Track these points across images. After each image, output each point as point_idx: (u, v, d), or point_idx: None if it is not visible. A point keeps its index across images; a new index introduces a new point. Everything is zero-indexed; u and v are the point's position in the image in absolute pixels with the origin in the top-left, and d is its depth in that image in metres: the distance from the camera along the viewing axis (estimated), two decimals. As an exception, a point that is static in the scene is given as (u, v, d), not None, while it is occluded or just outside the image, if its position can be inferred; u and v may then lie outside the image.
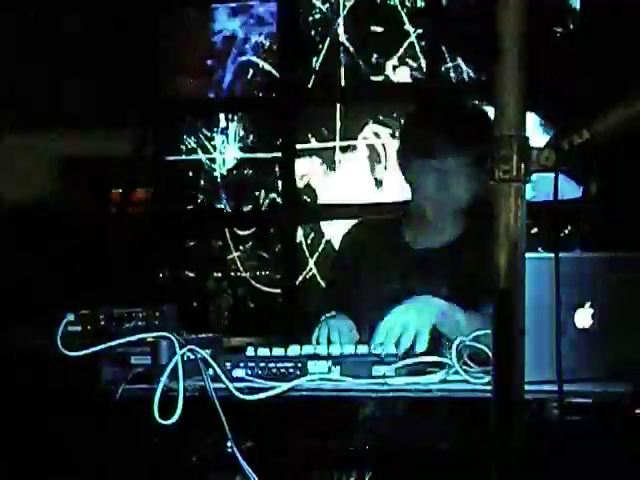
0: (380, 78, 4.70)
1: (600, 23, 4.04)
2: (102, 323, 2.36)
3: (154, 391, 2.11)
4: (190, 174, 5.05)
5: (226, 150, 5.01)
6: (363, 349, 2.38)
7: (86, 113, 4.77)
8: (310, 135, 4.85)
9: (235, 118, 5.00)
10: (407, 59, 4.66)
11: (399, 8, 4.60)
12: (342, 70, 4.79)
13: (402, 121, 3.05)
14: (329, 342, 2.69)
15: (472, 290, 2.79)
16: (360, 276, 3.00)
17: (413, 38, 4.60)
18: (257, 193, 4.99)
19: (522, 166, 1.48)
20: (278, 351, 2.38)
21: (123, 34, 4.80)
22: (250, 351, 2.36)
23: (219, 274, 4.92)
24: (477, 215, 2.98)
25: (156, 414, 2.08)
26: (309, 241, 4.87)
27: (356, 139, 4.75)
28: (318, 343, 2.69)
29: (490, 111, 3.30)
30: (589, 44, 3.98)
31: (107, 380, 2.26)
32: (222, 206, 5.03)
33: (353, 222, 3.22)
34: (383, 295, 2.87)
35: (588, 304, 2.19)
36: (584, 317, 2.19)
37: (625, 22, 3.56)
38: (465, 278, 2.86)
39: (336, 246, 3.28)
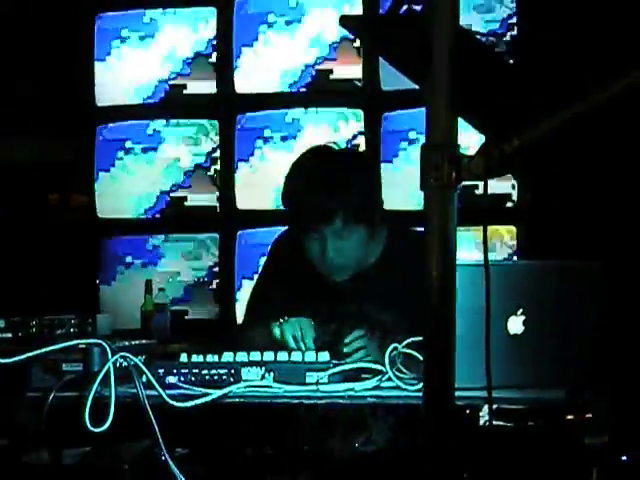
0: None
1: (533, 32, 4.09)
2: (33, 330, 2.33)
3: (85, 398, 2.09)
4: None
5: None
6: (297, 356, 2.38)
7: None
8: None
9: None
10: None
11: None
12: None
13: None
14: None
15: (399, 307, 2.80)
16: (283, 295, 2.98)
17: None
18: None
19: (453, 174, 1.49)
20: (212, 358, 2.37)
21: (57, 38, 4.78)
22: (183, 358, 2.35)
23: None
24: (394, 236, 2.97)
25: (87, 421, 2.06)
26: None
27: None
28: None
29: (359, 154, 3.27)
30: (522, 53, 4.04)
31: (38, 387, 2.23)
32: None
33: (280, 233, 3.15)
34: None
35: (520, 311, 2.21)
36: (516, 324, 2.21)
37: (559, 31, 3.60)
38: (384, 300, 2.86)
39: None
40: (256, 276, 3.20)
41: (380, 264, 2.92)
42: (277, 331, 2.73)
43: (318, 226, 2.80)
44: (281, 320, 2.75)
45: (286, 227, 3.07)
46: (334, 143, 2.99)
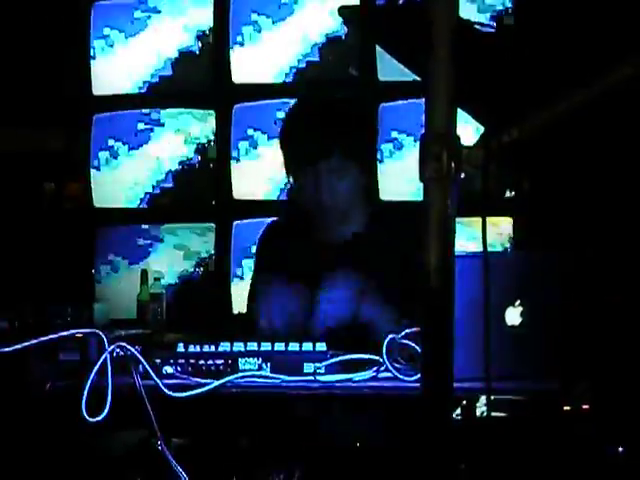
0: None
1: (532, 24, 4.08)
2: (30, 320, 2.33)
3: (82, 388, 2.08)
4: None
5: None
6: (294, 346, 2.38)
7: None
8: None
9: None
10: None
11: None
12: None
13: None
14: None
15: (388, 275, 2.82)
16: (280, 276, 2.99)
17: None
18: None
19: (452, 164, 1.49)
20: (208, 348, 2.37)
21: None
22: (180, 347, 2.35)
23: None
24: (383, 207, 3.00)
25: (84, 411, 2.06)
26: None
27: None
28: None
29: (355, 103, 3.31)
30: (521, 44, 4.02)
31: (35, 376, 2.23)
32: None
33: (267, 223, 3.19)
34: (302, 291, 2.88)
35: (518, 302, 2.21)
36: (514, 315, 2.21)
37: (557, 23, 3.59)
38: (379, 265, 2.88)
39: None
40: (252, 266, 3.23)
41: (368, 232, 2.95)
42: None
43: (314, 161, 2.83)
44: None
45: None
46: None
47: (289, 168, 2.96)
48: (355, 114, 2.96)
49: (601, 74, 1.46)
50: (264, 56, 4.90)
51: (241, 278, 4.81)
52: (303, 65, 4.85)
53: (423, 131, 1.52)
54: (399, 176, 4.64)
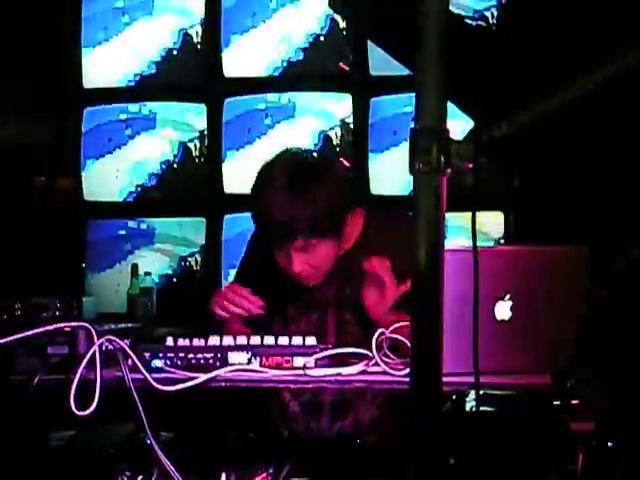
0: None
1: (521, 17, 4.08)
2: (18, 313, 2.32)
3: (71, 382, 2.07)
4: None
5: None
6: (284, 340, 2.37)
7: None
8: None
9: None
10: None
11: None
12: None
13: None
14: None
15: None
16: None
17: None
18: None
19: (442, 158, 1.48)
20: (198, 342, 2.36)
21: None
22: (169, 341, 2.34)
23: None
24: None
25: (72, 405, 2.05)
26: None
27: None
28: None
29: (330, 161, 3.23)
30: (511, 37, 4.03)
31: (23, 370, 2.22)
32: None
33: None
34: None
35: (507, 296, 2.21)
36: (503, 309, 2.21)
37: (546, 17, 3.59)
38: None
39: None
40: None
41: (358, 246, 2.91)
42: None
43: (282, 242, 2.77)
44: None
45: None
46: (302, 150, 2.92)
47: (262, 240, 2.89)
48: (323, 178, 2.79)
49: (596, 66, 1.46)
50: (257, 49, 4.90)
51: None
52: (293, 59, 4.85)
53: (413, 125, 1.51)
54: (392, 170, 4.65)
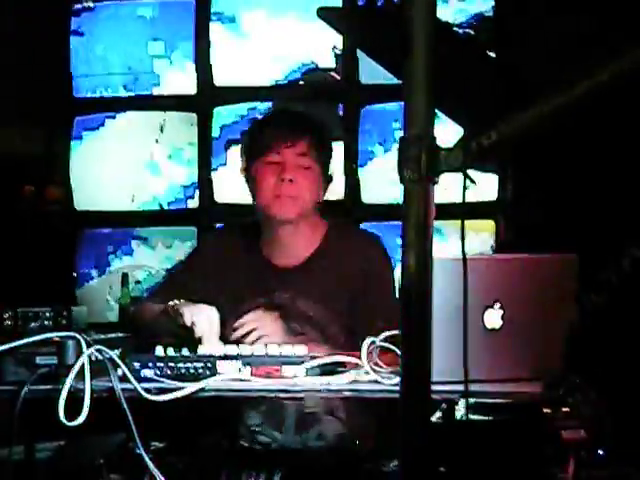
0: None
1: (510, 27, 4.10)
2: (7, 322, 2.31)
3: (60, 392, 2.07)
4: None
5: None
6: (273, 349, 2.37)
7: None
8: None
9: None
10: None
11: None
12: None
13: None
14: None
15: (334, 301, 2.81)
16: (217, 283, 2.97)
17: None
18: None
19: (430, 166, 1.48)
20: (187, 351, 2.36)
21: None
22: (159, 351, 2.34)
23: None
24: (335, 228, 2.98)
25: (62, 415, 2.04)
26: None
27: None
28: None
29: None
30: (499, 46, 4.05)
31: (11, 380, 2.21)
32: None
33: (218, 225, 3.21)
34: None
35: (497, 305, 2.21)
36: (493, 318, 2.21)
37: (534, 25, 3.61)
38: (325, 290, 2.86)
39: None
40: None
41: (317, 257, 2.92)
42: (186, 315, 2.67)
43: (280, 146, 2.86)
44: (176, 302, 2.72)
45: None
46: None
47: (251, 156, 2.97)
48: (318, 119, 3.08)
49: (585, 74, 1.46)
50: (248, 58, 4.90)
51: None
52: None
53: (402, 133, 1.51)
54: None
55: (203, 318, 2.62)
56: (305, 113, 3.07)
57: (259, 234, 3.00)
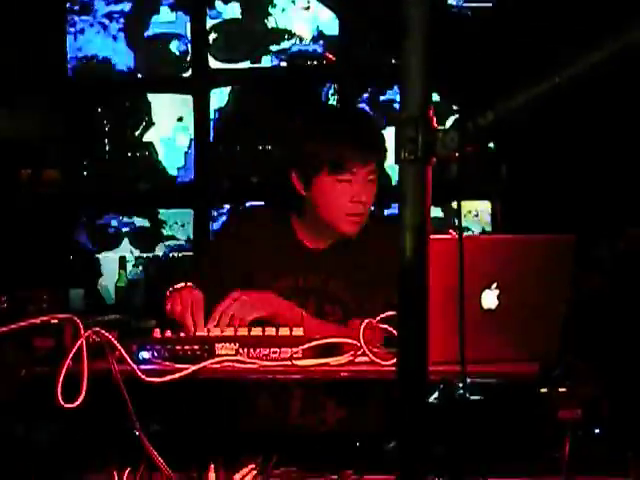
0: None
1: (507, 5, 4.09)
2: (5, 305, 2.31)
3: (58, 374, 2.07)
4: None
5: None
6: (271, 331, 2.37)
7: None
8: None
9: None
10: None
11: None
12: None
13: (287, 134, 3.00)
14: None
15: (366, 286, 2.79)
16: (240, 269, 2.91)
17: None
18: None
19: (427, 147, 1.48)
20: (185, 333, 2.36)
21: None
22: (157, 333, 2.34)
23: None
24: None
25: (59, 397, 2.05)
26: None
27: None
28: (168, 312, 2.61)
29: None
30: (496, 27, 4.03)
31: (9, 363, 2.21)
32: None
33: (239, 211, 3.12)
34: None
35: (494, 285, 2.21)
36: (490, 298, 2.21)
37: (530, 6, 3.60)
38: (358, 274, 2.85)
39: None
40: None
41: (355, 243, 2.90)
42: (169, 302, 2.61)
43: (354, 166, 2.78)
44: (171, 289, 2.68)
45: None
46: None
47: (309, 182, 2.84)
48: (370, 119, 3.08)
49: (579, 55, 1.45)
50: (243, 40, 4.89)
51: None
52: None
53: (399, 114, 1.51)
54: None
55: (177, 302, 2.59)
56: (375, 125, 2.98)
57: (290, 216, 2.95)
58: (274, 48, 4.85)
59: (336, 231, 2.84)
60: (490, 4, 4.25)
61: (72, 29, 4.98)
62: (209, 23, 4.91)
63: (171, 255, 4.99)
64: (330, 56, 4.80)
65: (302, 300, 2.78)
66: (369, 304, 2.76)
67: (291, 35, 4.84)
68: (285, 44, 4.84)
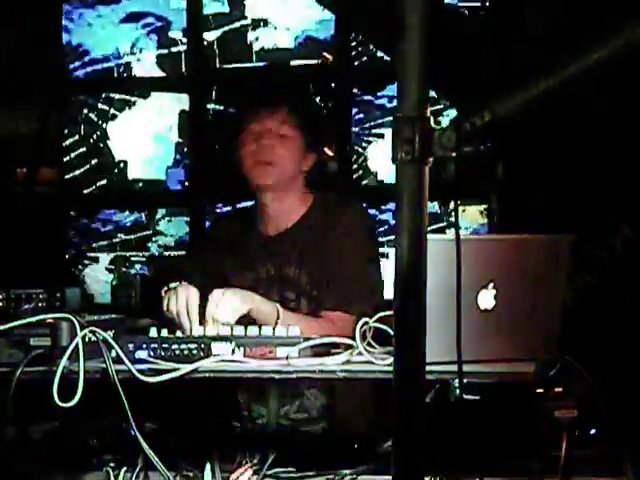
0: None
1: (504, 6, 4.08)
2: (1, 304, 2.31)
3: (54, 373, 2.07)
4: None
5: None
6: (267, 330, 2.37)
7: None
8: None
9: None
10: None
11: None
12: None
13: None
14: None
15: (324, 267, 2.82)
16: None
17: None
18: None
19: (424, 147, 1.48)
20: (181, 332, 2.35)
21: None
22: (153, 332, 2.34)
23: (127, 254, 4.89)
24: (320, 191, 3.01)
25: (56, 396, 2.04)
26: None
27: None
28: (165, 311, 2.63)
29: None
30: (493, 26, 4.04)
31: (5, 362, 2.21)
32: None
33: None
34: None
35: (491, 285, 2.21)
36: (487, 298, 2.21)
37: (528, 6, 3.60)
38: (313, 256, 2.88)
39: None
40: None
41: (300, 225, 2.94)
42: (165, 301, 2.64)
43: (261, 115, 2.91)
44: (168, 287, 2.70)
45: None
46: None
47: (233, 126, 3.01)
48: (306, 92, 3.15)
49: (577, 55, 1.45)
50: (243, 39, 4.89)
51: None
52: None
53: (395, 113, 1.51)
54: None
55: (172, 302, 2.60)
56: (286, 80, 3.14)
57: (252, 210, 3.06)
58: (269, 47, 4.84)
59: (254, 183, 2.93)
60: (487, 3, 4.26)
61: (71, 25, 4.98)
62: (208, 23, 4.90)
63: (166, 254, 4.99)
64: (327, 56, 4.79)
65: (267, 290, 2.82)
66: (325, 287, 2.79)
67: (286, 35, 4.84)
68: (281, 44, 4.84)
